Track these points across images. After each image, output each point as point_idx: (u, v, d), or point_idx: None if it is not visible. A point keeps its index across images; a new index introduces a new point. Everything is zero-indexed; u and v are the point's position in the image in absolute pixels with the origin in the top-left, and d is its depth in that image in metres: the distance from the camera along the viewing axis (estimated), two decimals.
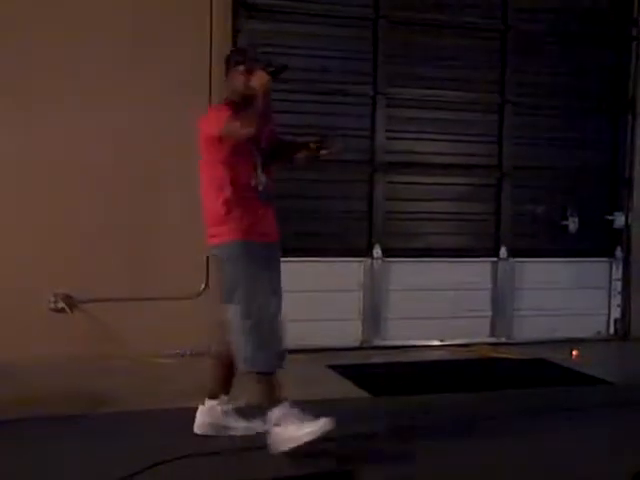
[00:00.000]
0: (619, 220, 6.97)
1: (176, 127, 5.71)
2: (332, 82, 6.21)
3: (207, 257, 5.87)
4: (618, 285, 7.05)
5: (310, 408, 4.46)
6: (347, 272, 6.30)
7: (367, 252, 6.34)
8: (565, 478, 3.57)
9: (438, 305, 6.43)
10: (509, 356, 6.18)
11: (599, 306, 7.03)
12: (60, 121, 5.55)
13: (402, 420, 4.33)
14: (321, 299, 6.09)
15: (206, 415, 4.01)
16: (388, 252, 6.38)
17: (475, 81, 6.59)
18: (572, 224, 6.78)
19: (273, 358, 3.82)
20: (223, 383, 4.05)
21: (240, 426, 3.99)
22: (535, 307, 6.73)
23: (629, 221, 6.96)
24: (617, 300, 7.03)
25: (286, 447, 3.62)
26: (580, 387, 5.30)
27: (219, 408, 4.01)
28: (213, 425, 3.99)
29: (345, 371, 5.46)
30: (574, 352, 6.17)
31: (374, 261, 6.35)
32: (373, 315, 6.34)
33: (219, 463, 3.57)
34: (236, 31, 5.93)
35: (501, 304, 6.71)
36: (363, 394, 4.98)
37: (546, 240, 6.85)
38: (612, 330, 7.03)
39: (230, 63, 4.00)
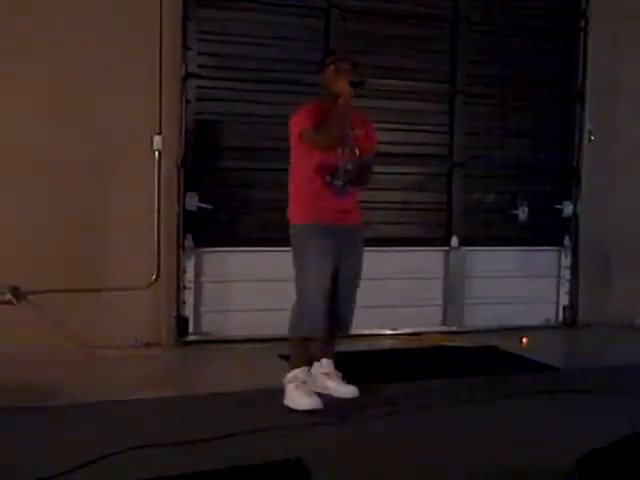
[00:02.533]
0: (568, 209, 7.07)
1: (126, 120, 5.66)
2: (284, 71, 6.18)
3: (158, 246, 5.85)
4: (567, 273, 7.14)
5: (262, 397, 4.51)
6: None
7: None
8: (515, 463, 3.61)
9: (390, 294, 6.47)
10: (460, 344, 6.25)
11: (548, 294, 7.12)
12: (11, 118, 5.48)
13: (353, 409, 4.35)
14: (273, 288, 6.08)
15: None
16: None
17: (426, 71, 6.62)
18: (522, 213, 6.86)
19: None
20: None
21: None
22: (486, 295, 6.81)
23: (577, 210, 7.07)
24: (565, 288, 7.13)
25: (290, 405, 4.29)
26: (529, 374, 5.37)
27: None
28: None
29: None
30: (524, 339, 6.26)
31: None
32: None
33: (169, 454, 3.54)
34: (186, 19, 5.87)
35: (452, 293, 6.77)
36: None
37: (497, 229, 6.92)
38: (561, 317, 7.14)
39: (324, 62, 4.49)
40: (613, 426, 3.77)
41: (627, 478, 2.82)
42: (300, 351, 4.43)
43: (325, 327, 4.37)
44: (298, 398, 4.29)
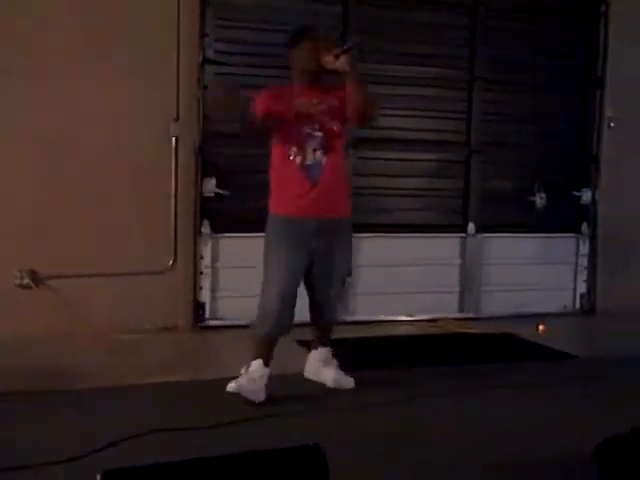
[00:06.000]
0: (586, 196, 7.02)
1: (143, 107, 5.67)
2: None
3: (175, 232, 5.87)
4: (584, 261, 7.11)
5: (279, 383, 4.52)
6: None
7: None
8: (532, 450, 3.61)
9: (406, 281, 6.46)
10: (477, 331, 6.24)
11: (566, 281, 7.10)
12: (27, 98, 5.48)
13: (369, 394, 4.36)
14: None
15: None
16: (357, 228, 6.35)
17: (444, 57, 6.58)
18: (539, 200, 6.83)
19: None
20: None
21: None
22: (503, 282, 6.79)
23: (596, 197, 7.03)
24: (583, 275, 7.10)
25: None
26: (546, 361, 5.37)
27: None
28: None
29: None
30: (541, 327, 6.24)
31: None
32: None
33: (189, 438, 3.56)
34: (204, 5, 5.86)
35: (469, 280, 6.75)
36: None
37: (514, 216, 6.89)
38: (578, 305, 7.11)
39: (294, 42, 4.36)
40: (630, 414, 3.77)
41: None
42: (261, 348, 4.22)
43: (290, 324, 4.24)
44: (249, 386, 4.10)
